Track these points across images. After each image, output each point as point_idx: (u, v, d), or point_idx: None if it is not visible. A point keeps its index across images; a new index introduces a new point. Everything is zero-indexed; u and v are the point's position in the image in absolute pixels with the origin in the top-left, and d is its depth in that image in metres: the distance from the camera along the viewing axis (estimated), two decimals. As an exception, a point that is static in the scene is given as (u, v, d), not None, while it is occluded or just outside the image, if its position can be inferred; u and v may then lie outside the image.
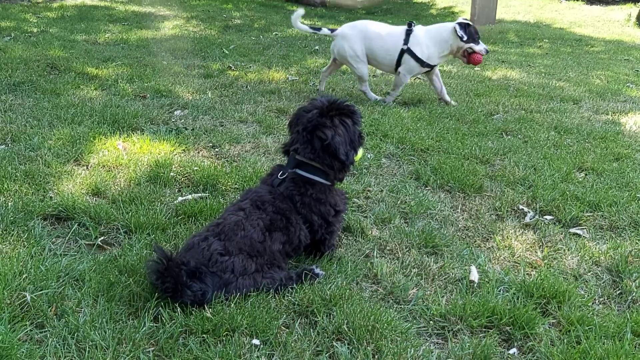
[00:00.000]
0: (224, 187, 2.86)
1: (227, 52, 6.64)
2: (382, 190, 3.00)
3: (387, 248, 2.42)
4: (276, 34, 8.41)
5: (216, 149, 3.43)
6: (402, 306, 2.02)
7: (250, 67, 5.87)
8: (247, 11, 10.87)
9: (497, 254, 2.45)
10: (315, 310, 1.91)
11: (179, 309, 1.85)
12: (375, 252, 2.28)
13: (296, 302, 1.96)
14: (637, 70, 7.19)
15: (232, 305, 1.90)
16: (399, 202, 2.86)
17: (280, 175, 2.16)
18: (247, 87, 4.98)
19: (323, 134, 2.09)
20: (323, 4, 13.03)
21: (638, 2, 11.73)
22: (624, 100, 5.29)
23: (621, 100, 5.31)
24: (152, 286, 1.89)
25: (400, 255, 2.35)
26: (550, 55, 8.05)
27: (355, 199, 2.88)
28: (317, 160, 2.13)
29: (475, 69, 6.53)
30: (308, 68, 5.99)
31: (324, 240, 2.22)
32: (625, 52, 8.80)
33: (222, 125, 3.90)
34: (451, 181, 3.12)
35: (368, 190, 3.00)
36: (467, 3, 12.31)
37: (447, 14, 12.95)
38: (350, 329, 1.81)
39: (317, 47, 7.33)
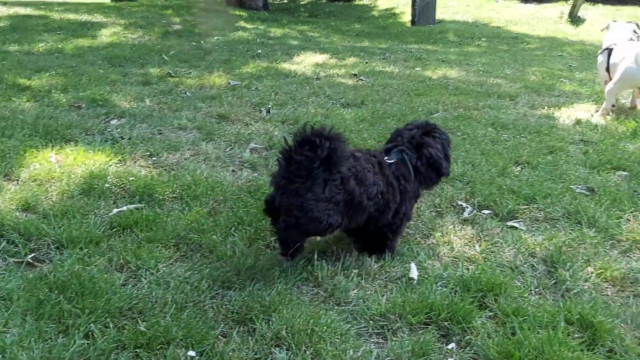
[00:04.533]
0: (161, 197, 2.79)
1: (166, 58, 6.52)
2: (324, 193, 2.99)
3: (330, 250, 2.41)
4: (218, 39, 8.32)
5: (154, 158, 3.34)
6: (343, 307, 2.01)
7: (191, 72, 5.78)
8: (188, 16, 10.70)
9: (437, 250, 2.48)
10: (254, 317, 1.88)
11: (111, 324, 1.79)
12: (316, 255, 2.27)
13: (235, 311, 1.92)
14: (570, 66, 7.48)
15: (168, 317, 1.85)
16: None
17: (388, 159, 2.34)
18: (187, 93, 4.89)
19: (429, 152, 2.38)
20: (265, 7, 12.98)
21: (569, 0, 12.21)
22: (558, 95, 5.48)
23: (555, 94, 5.51)
24: None
25: (342, 257, 2.35)
26: (488, 54, 8.28)
27: (297, 203, 2.86)
28: (421, 169, 2.39)
29: (416, 69, 6.65)
30: (250, 72, 5.94)
31: (387, 235, 2.32)
32: (559, 48, 9.16)
33: (160, 134, 3.81)
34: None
35: (310, 193, 2.98)
36: (408, 4, 12.53)
37: (389, 16, 13.16)
38: (289, 334, 1.79)
39: (259, 51, 7.29)
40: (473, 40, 9.58)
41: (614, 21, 5.12)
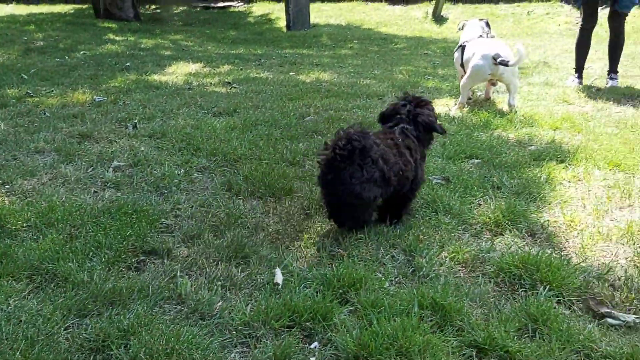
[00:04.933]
0: (13, 227, 2.61)
1: (26, 77, 6.12)
2: (192, 206, 2.96)
3: (196, 265, 2.39)
4: (84, 53, 7.93)
5: (6, 186, 3.12)
6: (207, 322, 2.00)
7: (53, 91, 5.46)
8: (51, 31, 10.11)
9: (304, 252, 2.53)
10: (110, 343, 1.81)
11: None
12: (178, 272, 2.24)
13: (91, 339, 1.84)
14: (434, 63, 7.94)
15: (18, 354, 1.74)
16: (209, 216, 2.84)
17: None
18: (46, 113, 4.61)
19: (424, 120, 2.87)
20: (137, 18, 12.56)
21: (432, 0, 12.96)
22: (422, 92, 5.80)
23: (419, 91, 5.81)
24: None
25: (208, 271, 2.33)
26: (360, 55, 8.59)
27: (163, 220, 2.80)
28: (420, 136, 2.87)
29: (290, 73, 6.75)
30: (118, 86, 5.72)
31: (407, 198, 2.78)
32: (425, 47, 9.69)
33: (15, 159, 3.56)
34: (262, 187, 3.17)
35: (177, 208, 2.93)
36: (283, 10, 12.67)
37: (265, 21, 13.24)
38: (148, 356, 1.74)
39: (128, 64, 7.04)
40: (346, 43, 9.89)
41: (466, 21, 5.51)
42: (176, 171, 3.40)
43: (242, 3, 15.54)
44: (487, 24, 5.30)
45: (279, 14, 13.58)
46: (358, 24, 12.58)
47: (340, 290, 2.16)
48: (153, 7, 15.84)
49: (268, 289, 2.18)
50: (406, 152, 2.72)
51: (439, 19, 12.64)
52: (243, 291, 2.20)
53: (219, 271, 2.32)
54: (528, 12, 12.64)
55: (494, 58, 4.51)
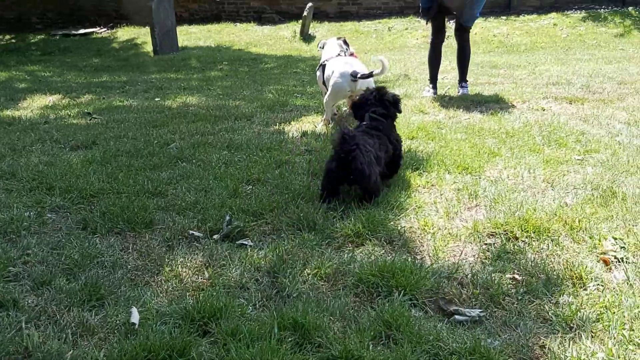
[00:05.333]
0: None
1: None
2: (43, 250, 2.76)
3: (45, 314, 2.23)
4: None
5: None
6: (55, 375, 1.87)
7: None
8: None
9: (165, 287, 2.46)
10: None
11: None
12: (23, 323, 2.07)
13: None
14: (304, 81, 8.11)
15: None
16: (62, 259, 2.67)
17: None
18: None
19: (389, 97, 3.70)
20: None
21: (299, 20, 13.26)
22: (290, 110, 5.90)
23: (288, 110, 5.91)
24: None
25: (58, 318, 2.18)
26: (230, 77, 8.57)
27: (10, 268, 2.59)
28: (388, 112, 3.65)
29: (156, 99, 6.58)
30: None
31: (397, 163, 3.65)
32: (294, 65, 9.87)
33: None
34: (121, 222, 3.05)
35: (27, 254, 2.73)
36: (149, 34, 12.33)
37: (130, 47, 12.82)
38: None
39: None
40: (215, 65, 9.82)
41: (326, 40, 5.70)
42: (26, 213, 3.17)
43: (105, 29, 14.93)
44: (345, 42, 5.52)
45: (145, 38, 13.20)
46: (228, 45, 12.55)
47: (201, 322, 2.12)
48: (8, 36, 14.77)
49: (123, 331, 2.09)
50: (384, 135, 3.50)
51: (307, 37, 12.97)
52: (97, 336, 2.08)
53: (71, 317, 2.18)
54: (389, 28, 13.34)
55: (353, 75, 4.70)
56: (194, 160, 4.13)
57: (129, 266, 2.64)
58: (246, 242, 2.87)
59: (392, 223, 3.03)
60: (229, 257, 2.69)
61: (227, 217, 3.05)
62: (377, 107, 3.62)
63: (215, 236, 2.93)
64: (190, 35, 13.59)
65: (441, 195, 3.41)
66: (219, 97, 6.72)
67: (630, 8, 12.65)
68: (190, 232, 2.97)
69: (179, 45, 12.39)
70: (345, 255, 2.71)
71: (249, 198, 3.37)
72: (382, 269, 2.48)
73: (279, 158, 4.12)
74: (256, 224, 3.06)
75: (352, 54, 5.43)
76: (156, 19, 11.51)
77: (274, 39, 13.03)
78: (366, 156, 3.15)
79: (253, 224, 3.05)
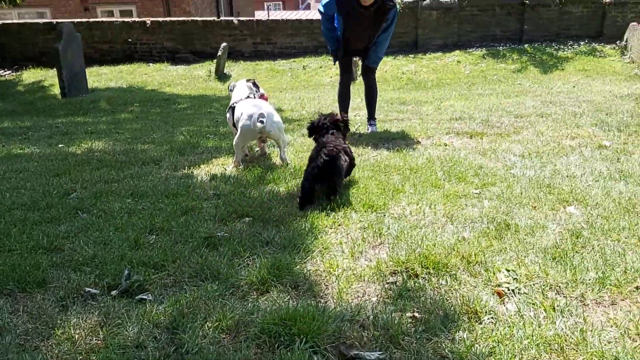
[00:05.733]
0: None
1: None
2: None
3: None
4: None
5: None
6: None
7: None
8: None
9: (56, 351, 2.31)
10: None
11: None
12: None
13: None
14: (217, 121, 8.08)
15: None
16: (-61, 328, 2.46)
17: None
18: None
19: (340, 121, 4.49)
20: None
21: (214, 59, 13.28)
22: (201, 152, 5.83)
23: (199, 152, 5.84)
24: None
25: None
26: (140, 119, 8.39)
27: None
28: (342, 131, 4.49)
29: (59, 145, 6.31)
30: None
31: (352, 167, 4.42)
32: (208, 105, 9.84)
33: None
34: (11, 282, 2.86)
35: None
36: (56, 76, 11.93)
37: (37, 89, 12.32)
38: None
39: None
40: (126, 107, 9.60)
41: (235, 82, 5.72)
42: None
43: (9, 71, 14.29)
44: (255, 84, 5.56)
45: (53, 80, 12.76)
46: (140, 85, 12.34)
47: (89, 390, 2.00)
48: None
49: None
50: (342, 145, 4.23)
51: (222, 76, 12.99)
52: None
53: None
54: (304, 66, 13.62)
55: (261, 117, 4.72)
56: (95, 211, 3.97)
57: (19, 330, 2.47)
58: (146, 297, 2.76)
59: (298, 267, 3.03)
60: (127, 314, 2.57)
61: (126, 271, 2.93)
62: (332, 128, 4.40)
63: (113, 292, 2.80)
64: (100, 77, 13.26)
65: (347, 234, 3.46)
66: (127, 141, 6.55)
67: (526, 45, 13.64)
68: (87, 289, 2.83)
69: (89, 87, 12.07)
70: (249, 305, 2.67)
71: (151, 249, 3.27)
72: (284, 317, 2.46)
73: (185, 204, 4.04)
74: (157, 277, 2.96)
75: (262, 96, 5.48)
76: (64, 60, 11.18)
77: (188, 79, 12.95)
78: (342, 159, 4.04)
79: (154, 277, 2.95)
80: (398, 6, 13.43)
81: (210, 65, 13.64)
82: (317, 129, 4.48)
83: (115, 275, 2.94)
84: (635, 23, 12.34)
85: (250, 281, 2.88)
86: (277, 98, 10.08)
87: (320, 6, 6.18)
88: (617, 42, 13.09)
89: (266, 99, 5.51)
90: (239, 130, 4.90)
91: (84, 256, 3.18)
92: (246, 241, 3.34)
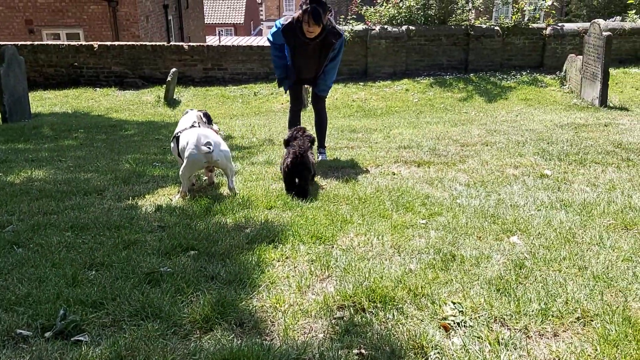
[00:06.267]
0: None
1: None
2: None
3: None
4: None
5: None
6: None
7: None
8: None
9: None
10: None
11: None
12: None
13: None
14: (165, 148, 7.90)
15: None
16: None
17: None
18: None
19: (309, 136, 5.35)
20: None
21: (164, 85, 13.12)
22: (147, 182, 5.67)
23: (144, 181, 5.68)
24: None
25: None
26: (85, 146, 8.14)
27: None
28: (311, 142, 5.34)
29: (-4, 174, 6.03)
30: None
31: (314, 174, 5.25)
32: (156, 132, 9.64)
33: None
34: None
35: None
36: (-4, 100, 11.47)
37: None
38: None
39: None
40: (70, 133, 9.30)
41: (187, 111, 5.65)
42: None
43: (-55, 94, 13.66)
44: (207, 116, 5.48)
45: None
46: (86, 110, 12.03)
47: None
48: None
49: None
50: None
51: (171, 102, 12.83)
52: None
53: None
54: (255, 93, 13.62)
55: (208, 146, 4.65)
56: (31, 245, 3.79)
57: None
58: (82, 338, 2.63)
59: (243, 303, 2.96)
60: (60, 359, 2.44)
61: (62, 311, 2.79)
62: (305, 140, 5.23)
63: (47, 334, 2.66)
64: (45, 101, 12.87)
65: (295, 267, 3.41)
66: (69, 169, 6.32)
67: (471, 74, 14.09)
68: (18, 331, 2.67)
69: (32, 111, 11.68)
70: (192, 345, 2.58)
71: (89, 286, 3.13)
72: (228, 357, 2.39)
73: (127, 237, 3.90)
74: (95, 316, 2.82)
75: (211, 126, 5.39)
76: (5, 84, 10.80)
77: (136, 104, 12.72)
78: (311, 158, 5.06)
79: (92, 316, 2.82)
80: (348, 34, 13.73)
81: (160, 91, 13.45)
82: (289, 141, 5.31)
83: (50, 316, 2.79)
84: (573, 55, 12.96)
85: (194, 319, 2.79)
86: (227, 125, 10.01)
87: (269, 35, 6.22)
88: (557, 73, 13.69)
89: (217, 133, 5.43)
90: (185, 159, 4.81)
91: (17, 295, 3.01)
92: (190, 276, 3.25)
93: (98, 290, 3.05)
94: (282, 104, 12.72)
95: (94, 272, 3.36)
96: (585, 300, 2.89)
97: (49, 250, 3.68)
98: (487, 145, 6.99)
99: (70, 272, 3.27)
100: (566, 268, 3.29)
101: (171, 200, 4.88)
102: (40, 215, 4.48)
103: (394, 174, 5.60)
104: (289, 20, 5.93)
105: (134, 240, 3.85)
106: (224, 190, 5.14)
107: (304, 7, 5.70)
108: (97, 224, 4.20)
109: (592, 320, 2.72)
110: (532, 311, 2.81)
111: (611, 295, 2.95)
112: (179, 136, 5.09)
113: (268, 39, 6.26)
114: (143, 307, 2.87)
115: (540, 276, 3.19)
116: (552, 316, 2.77)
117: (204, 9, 30.77)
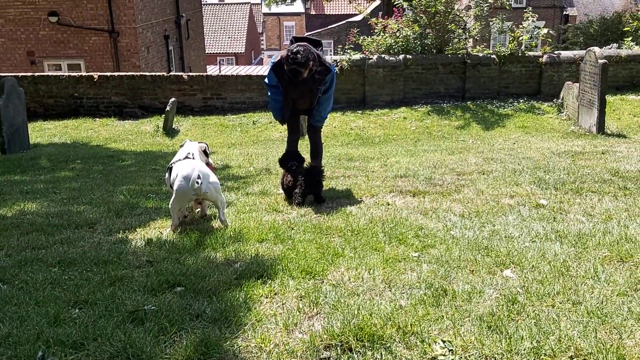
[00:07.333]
0: None
1: None
2: None
3: None
4: None
5: None
6: None
7: None
8: None
9: None
10: None
11: None
12: None
13: None
14: (160, 178, 7.87)
15: None
16: None
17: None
18: None
19: (300, 156, 6.10)
20: None
21: (163, 114, 13.16)
22: (140, 214, 5.62)
23: (137, 214, 5.63)
24: None
25: None
26: (81, 177, 8.12)
27: None
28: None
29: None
30: None
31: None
32: (154, 162, 9.62)
33: None
34: None
35: None
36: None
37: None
38: None
39: None
40: (67, 164, 9.28)
41: (185, 142, 5.64)
42: None
43: (-54, 125, 13.73)
44: (204, 152, 5.45)
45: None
46: (85, 141, 12.05)
47: None
48: None
49: None
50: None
51: (170, 131, 12.86)
52: None
53: None
54: (253, 121, 13.66)
55: (197, 178, 4.61)
56: (16, 282, 3.73)
57: None
58: (60, 382, 2.56)
59: (227, 343, 2.88)
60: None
61: (40, 353, 2.72)
62: (296, 160, 5.94)
63: (23, 378, 2.58)
64: (44, 132, 12.92)
65: (283, 304, 3.34)
66: (62, 202, 6.28)
67: (469, 102, 14.12)
68: (-7, 375, 2.60)
69: (31, 142, 11.70)
70: (172, 388, 2.50)
71: (71, 325, 3.06)
72: (207, 402, 2.30)
73: (114, 273, 3.84)
74: (75, 357, 2.76)
75: (208, 165, 5.34)
76: (4, 116, 10.84)
77: (135, 134, 12.76)
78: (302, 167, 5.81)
79: (71, 358, 2.75)
80: (346, 64, 13.83)
81: (159, 120, 13.50)
82: (288, 158, 6.05)
83: (29, 357, 2.73)
84: (570, 82, 13.00)
85: (175, 359, 2.71)
86: (225, 154, 10.00)
87: (266, 79, 6.25)
88: (554, 100, 13.72)
89: (213, 169, 5.40)
90: (174, 192, 4.78)
91: (-5, 336, 2.94)
92: (175, 315, 3.18)
93: (80, 330, 2.98)
94: (281, 132, 12.73)
95: (77, 311, 3.29)
96: (579, 337, 2.81)
97: (34, 287, 3.62)
98: (483, 173, 6.94)
99: (52, 311, 3.21)
100: (560, 303, 3.21)
101: (162, 234, 4.83)
102: (28, 250, 4.43)
103: (389, 204, 5.55)
104: (278, 58, 5.97)
105: (121, 276, 3.79)
106: (216, 223, 5.09)
107: (290, 46, 5.74)
108: (85, 259, 4.14)
109: (585, 360, 2.64)
110: (524, 350, 2.73)
111: (605, 332, 2.87)
112: (172, 167, 5.07)
113: (265, 83, 6.30)
114: (124, 347, 2.80)
115: (533, 312, 3.11)
116: (545, 355, 2.69)
117: (205, 39, 31.13)
